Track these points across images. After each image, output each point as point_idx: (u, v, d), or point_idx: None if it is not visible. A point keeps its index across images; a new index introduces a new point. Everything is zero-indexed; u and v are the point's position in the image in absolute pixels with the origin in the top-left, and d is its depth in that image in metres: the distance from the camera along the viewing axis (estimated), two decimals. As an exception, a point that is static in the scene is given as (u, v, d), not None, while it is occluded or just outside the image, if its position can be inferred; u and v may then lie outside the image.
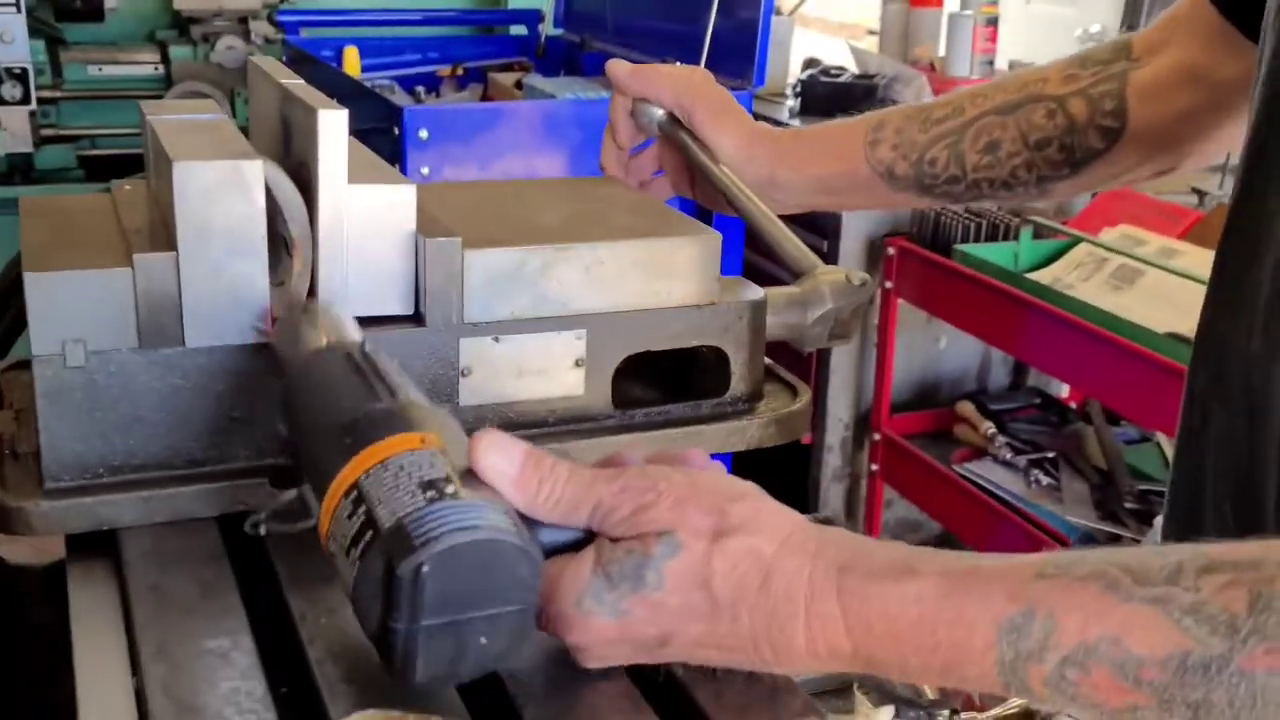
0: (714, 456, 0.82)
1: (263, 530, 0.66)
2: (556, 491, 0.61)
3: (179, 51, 3.18)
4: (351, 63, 2.74)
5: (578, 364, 0.83)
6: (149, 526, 0.73)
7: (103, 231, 0.77)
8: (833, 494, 2.70)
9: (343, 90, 2.48)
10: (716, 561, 0.59)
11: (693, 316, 0.86)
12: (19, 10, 2.86)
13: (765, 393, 0.91)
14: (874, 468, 2.63)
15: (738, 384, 0.89)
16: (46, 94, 3.05)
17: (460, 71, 2.94)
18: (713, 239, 0.87)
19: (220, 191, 0.71)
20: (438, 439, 0.60)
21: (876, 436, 2.61)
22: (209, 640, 0.63)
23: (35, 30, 2.98)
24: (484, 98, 2.89)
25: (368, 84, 2.59)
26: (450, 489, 0.56)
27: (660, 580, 0.59)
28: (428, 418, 0.62)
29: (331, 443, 0.60)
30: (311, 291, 0.75)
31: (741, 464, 0.89)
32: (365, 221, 0.76)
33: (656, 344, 0.85)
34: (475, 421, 0.82)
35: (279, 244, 0.75)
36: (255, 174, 0.71)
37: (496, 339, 0.80)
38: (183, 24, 3.24)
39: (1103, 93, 0.99)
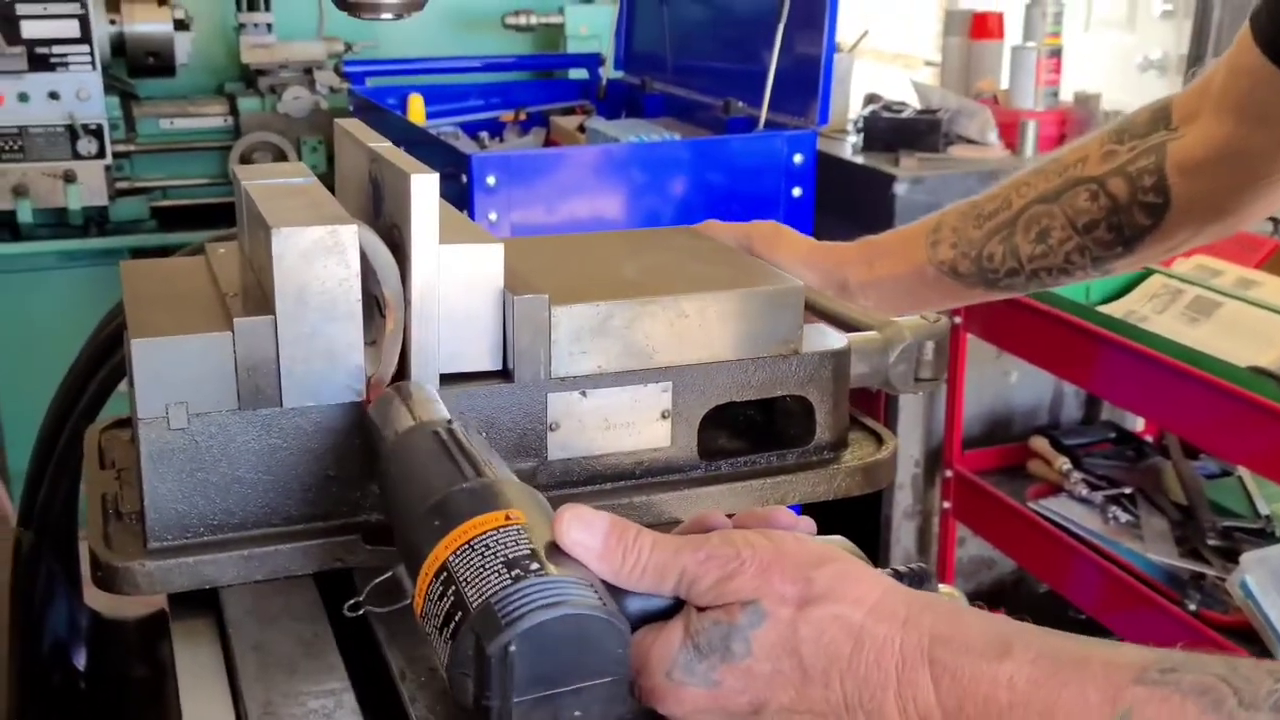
0: (794, 508, 0.81)
1: (361, 611, 0.67)
2: (641, 562, 0.61)
3: (247, 103, 3.27)
4: (416, 110, 2.79)
5: (664, 416, 0.84)
6: (249, 584, 0.74)
7: (201, 295, 0.79)
8: (904, 532, 2.67)
9: (409, 138, 2.52)
10: (804, 630, 0.59)
11: (777, 366, 0.86)
12: (95, 68, 2.96)
13: (850, 441, 0.91)
14: (946, 505, 2.60)
15: (822, 433, 0.88)
16: (121, 148, 3.15)
17: (523, 116, 2.98)
18: (795, 288, 0.87)
19: (317, 256, 0.72)
20: (522, 515, 0.61)
21: (948, 473, 2.58)
22: (313, 700, 0.64)
23: (109, 87, 3.07)
24: (547, 142, 2.92)
25: (433, 131, 2.63)
26: (534, 566, 0.57)
27: (748, 650, 0.59)
28: (512, 494, 0.63)
29: (422, 524, 0.62)
30: (404, 350, 0.76)
31: (813, 504, 0.88)
32: (456, 281, 0.77)
33: (741, 395, 0.85)
34: (563, 475, 0.82)
35: (372, 304, 0.77)
36: (351, 238, 0.73)
37: (584, 393, 0.81)
38: (250, 76, 3.32)
39: (1141, 169, 1.00)
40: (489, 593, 0.56)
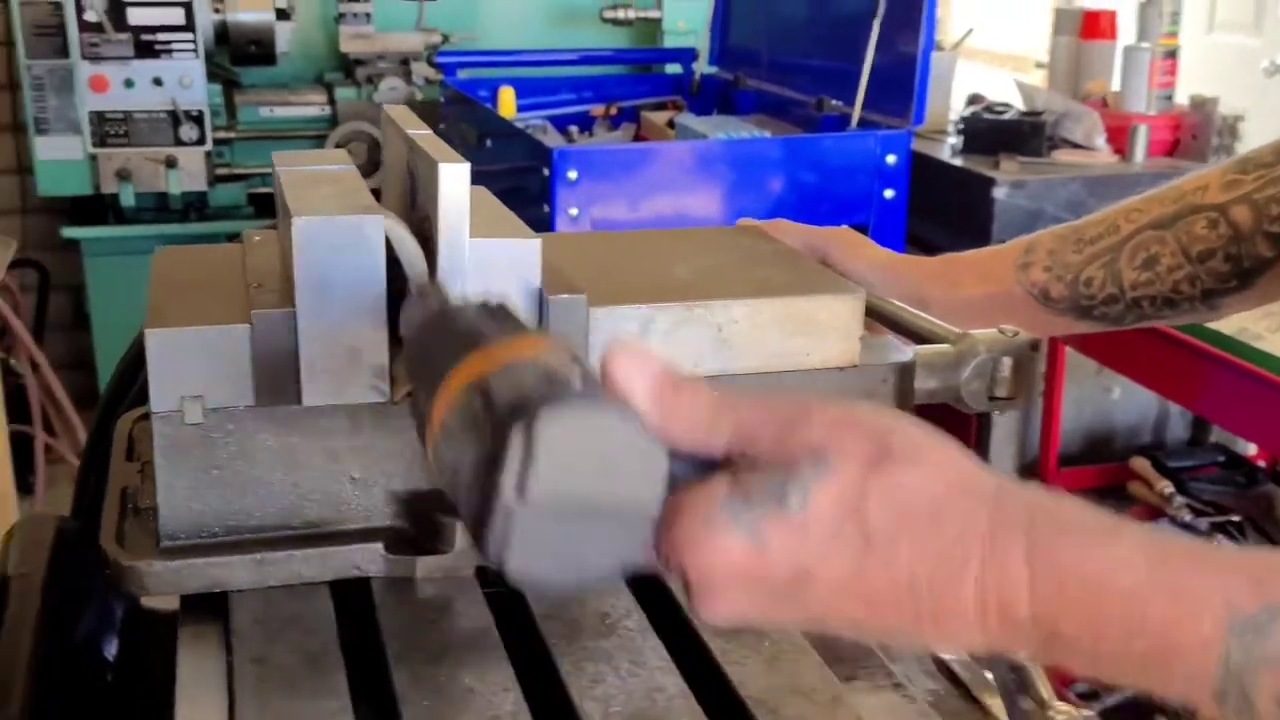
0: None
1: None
2: (695, 407, 0.53)
3: (344, 93, 3.29)
4: (506, 103, 2.77)
5: (709, 428, 0.78)
6: (260, 590, 0.71)
7: (227, 285, 0.76)
8: (992, 550, 2.57)
9: (494, 130, 2.50)
10: (874, 490, 0.50)
11: (833, 379, 0.80)
12: (198, 56, 3.01)
13: (913, 461, 0.85)
14: (1037, 524, 2.49)
15: (883, 452, 0.82)
16: (221, 135, 3.19)
17: (614, 111, 2.94)
18: (856, 296, 0.81)
19: (341, 247, 0.69)
20: (568, 345, 0.54)
21: (1041, 491, 2.47)
22: (308, 720, 0.61)
23: (212, 74, 3.12)
24: (637, 137, 2.88)
25: (520, 124, 2.60)
26: (576, 378, 0.50)
27: (804, 503, 0.50)
28: (555, 338, 0.56)
29: (452, 353, 0.54)
30: (431, 349, 0.72)
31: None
32: (487, 276, 0.73)
33: (794, 408, 0.80)
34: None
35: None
36: (376, 229, 0.69)
37: (623, 401, 0.76)
38: (348, 66, 3.35)
39: (1269, 198, 0.93)
40: (525, 389, 0.49)
